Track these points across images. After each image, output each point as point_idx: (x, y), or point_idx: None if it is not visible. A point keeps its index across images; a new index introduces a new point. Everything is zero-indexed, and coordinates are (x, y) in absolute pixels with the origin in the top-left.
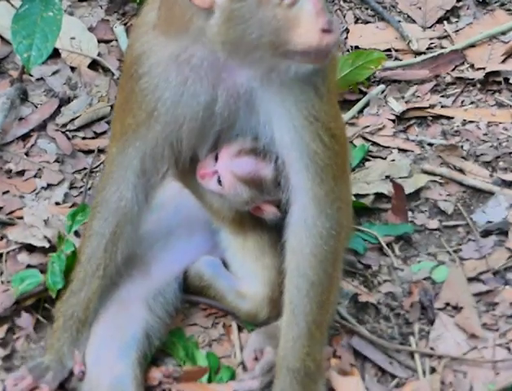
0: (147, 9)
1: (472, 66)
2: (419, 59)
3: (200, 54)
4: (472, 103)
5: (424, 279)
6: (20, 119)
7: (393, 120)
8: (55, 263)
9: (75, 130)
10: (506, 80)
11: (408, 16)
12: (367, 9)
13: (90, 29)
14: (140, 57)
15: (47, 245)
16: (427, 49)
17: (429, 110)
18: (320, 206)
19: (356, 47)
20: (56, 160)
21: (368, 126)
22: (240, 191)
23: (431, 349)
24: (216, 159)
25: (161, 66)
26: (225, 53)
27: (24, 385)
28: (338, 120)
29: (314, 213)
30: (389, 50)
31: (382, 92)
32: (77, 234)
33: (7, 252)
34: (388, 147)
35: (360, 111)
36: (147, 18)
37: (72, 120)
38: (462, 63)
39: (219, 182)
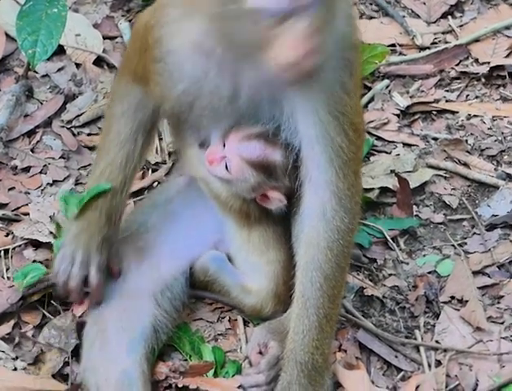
0: None
1: (476, 60)
2: (423, 53)
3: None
4: (477, 97)
5: (429, 273)
6: (26, 116)
7: (397, 115)
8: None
9: (80, 127)
10: (511, 74)
11: (413, 11)
12: (371, 4)
13: (95, 26)
14: (163, 38)
15: (53, 241)
16: (432, 44)
17: (433, 104)
18: (340, 200)
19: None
20: (62, 157)
21: (373, 121)
22: (247, 175)
23: (437, 342)
24: (224, 144)
25: (184, 48)
26: None
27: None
28: (361, 114)
29: (334, 207)
30: (393, 45)
31: (387, 87)
32: None
33: (13, 248)
34: (393, 142)
35: (365, 105)
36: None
37: (78, 116)
38: (467, 58)
39: (227, 167)
